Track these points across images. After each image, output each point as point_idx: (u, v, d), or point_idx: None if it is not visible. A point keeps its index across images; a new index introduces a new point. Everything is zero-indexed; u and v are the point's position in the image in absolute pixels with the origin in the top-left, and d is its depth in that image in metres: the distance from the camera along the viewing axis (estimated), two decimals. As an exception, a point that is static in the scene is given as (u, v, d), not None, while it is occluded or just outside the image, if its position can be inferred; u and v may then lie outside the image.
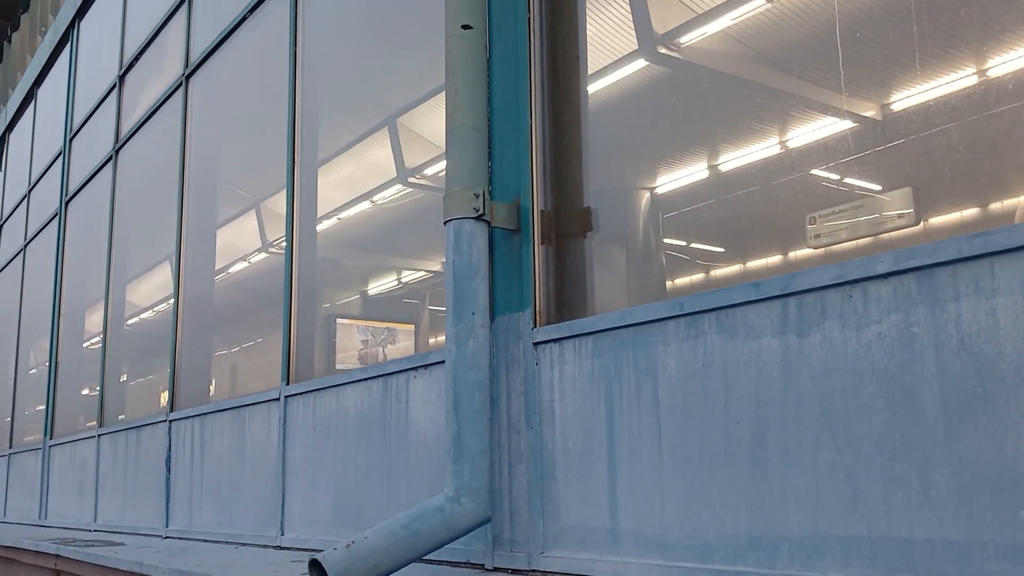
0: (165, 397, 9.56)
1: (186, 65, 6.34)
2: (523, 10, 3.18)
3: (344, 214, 6.56)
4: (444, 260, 2.95)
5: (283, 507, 4.36)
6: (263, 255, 7.33)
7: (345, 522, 3.87)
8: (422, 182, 9.30)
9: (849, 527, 2.00)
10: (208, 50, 5.96)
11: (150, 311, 7.97)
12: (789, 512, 2.13)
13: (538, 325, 2.94)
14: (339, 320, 9.47)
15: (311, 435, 4.21)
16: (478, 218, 2.90)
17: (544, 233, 3.04)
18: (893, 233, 4.37)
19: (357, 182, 6.51)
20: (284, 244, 4.78)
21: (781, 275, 2.19)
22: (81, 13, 9.58)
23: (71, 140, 9.44)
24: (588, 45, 3.34)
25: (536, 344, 2.91)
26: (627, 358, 2.60)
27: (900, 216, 4.42)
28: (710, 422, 2.34)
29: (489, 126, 3.12)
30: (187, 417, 5.54)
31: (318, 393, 4.20)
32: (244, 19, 5.51)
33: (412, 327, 10.09)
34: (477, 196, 2.90)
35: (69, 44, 9.89)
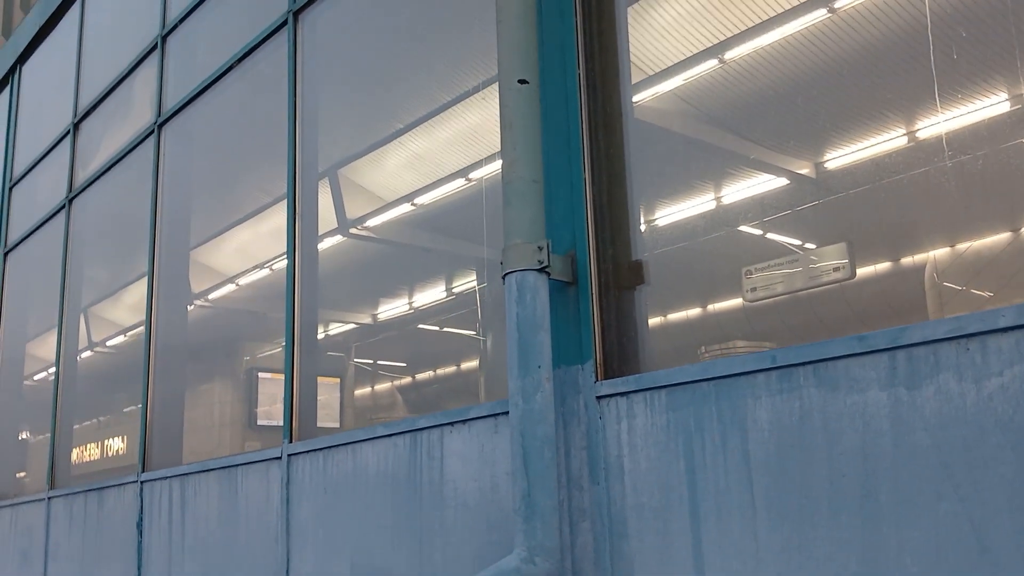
0: (74, 455, 9.07)
1: (159, 113, 6.17)
2: (572, 65, 3.19)
3: (277, 265, 6.38)
4: (506, 313, 2.90)
5: (288, 571, 4.17)
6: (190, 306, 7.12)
7: (366, 585, 3.72)
8: (363, 233, 9.20)
9: (978, 579, 2.00)
10: (187, 98, 5.82)
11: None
12: (907, 563, 2.12)
13: (600, 378, 2.91)
14: (260, 374, 9.21)
15: (321, 495, 4.05)
16: (541, 270, 2.87)
17: (601, 285, 3.02)
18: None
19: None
20: (285, 282, 4.62)
21: (889, 328, 2.21)
22: (23, 58, 9.27)
23: (11, 189, 9.06)
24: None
25: (599, 398, 2.88)
26: (709, 412, 2.58)
27: (836, 269, 4.52)
28: (810, 476, 2.33)
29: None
30: (163, 478, 5.28)
31: (329, 451, 4.05)
32: (230, 67, 5.41)
33: (337, 380, 9.88)
34: (540, 248, 2.87)
35: (9, 90, 9.54)
